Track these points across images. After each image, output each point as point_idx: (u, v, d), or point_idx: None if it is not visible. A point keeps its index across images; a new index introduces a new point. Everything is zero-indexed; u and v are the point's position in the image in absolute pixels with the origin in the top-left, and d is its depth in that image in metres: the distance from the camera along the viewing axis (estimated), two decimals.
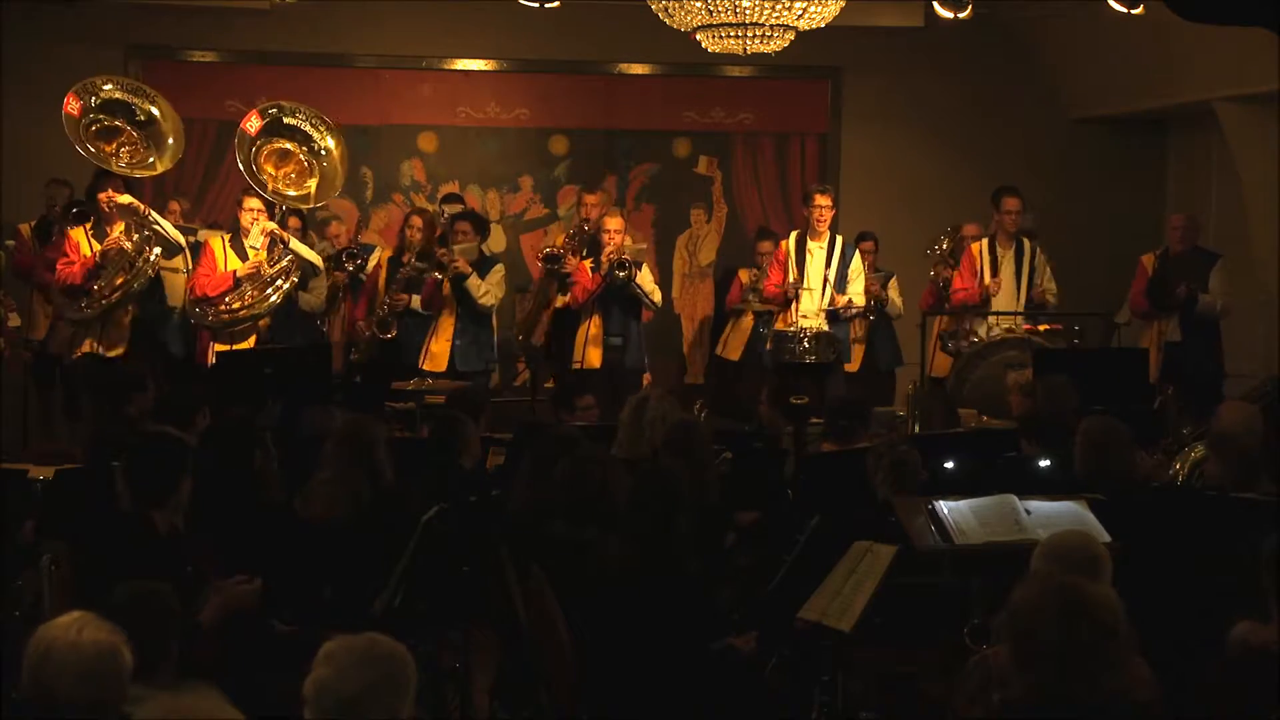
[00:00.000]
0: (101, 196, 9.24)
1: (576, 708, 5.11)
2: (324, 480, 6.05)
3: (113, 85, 9.51)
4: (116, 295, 9.18)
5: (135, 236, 9.17)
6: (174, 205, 10.31)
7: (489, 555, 5.70)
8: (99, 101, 9.38)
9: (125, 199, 9.23)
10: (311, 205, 9.98)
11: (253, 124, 9.61)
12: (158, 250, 9.26)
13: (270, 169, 9.62)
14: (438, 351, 10.02)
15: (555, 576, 5.26)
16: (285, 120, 9.69)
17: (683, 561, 5.39)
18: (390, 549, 5.56)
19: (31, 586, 5.74)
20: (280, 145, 9.65)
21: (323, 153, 9.74)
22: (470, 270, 9.88)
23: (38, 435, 10.20)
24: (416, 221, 10.42)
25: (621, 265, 10.03)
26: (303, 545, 5.79)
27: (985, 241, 10.37)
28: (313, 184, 9.72)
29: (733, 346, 11.11)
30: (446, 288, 9.92)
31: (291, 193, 9.66)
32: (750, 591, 5.76)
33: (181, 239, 9.46)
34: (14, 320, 9.83)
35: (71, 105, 9.27)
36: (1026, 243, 10.28)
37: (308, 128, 9.72)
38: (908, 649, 5.45)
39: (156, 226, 9.25)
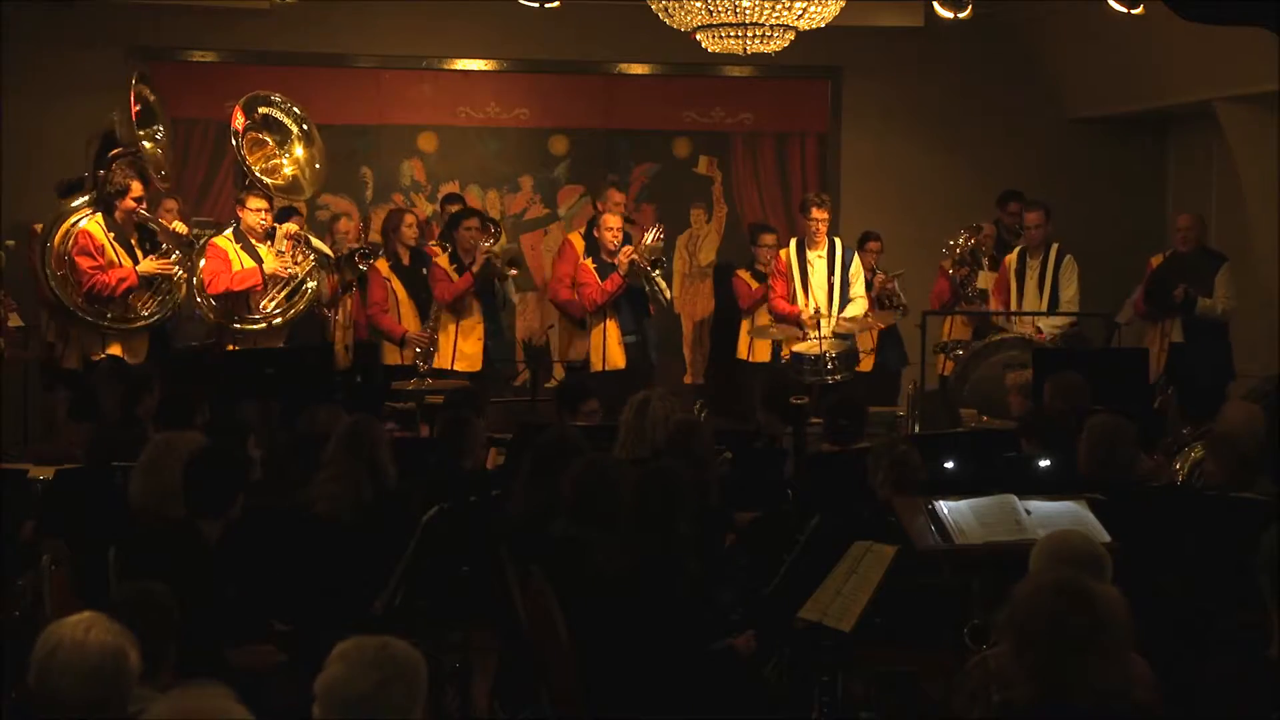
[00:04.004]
0: (128, 206, 9.21)
1: (576, 708, 5.11)
2: (326, 479, 6.05)
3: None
4: (154, 320, 9.23)
5: (185, 264, 9.22)
6: (169, 204, 10.31)
7: (489, 555, 5.71)
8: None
9: (181, 228, 9.27)
10: (306, 195, 10.01)
11: (239, 120, 9.69)
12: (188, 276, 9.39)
13: (248, 155, 9.69)
14: (471, 352, 10.04)
15: (555, 576, 5.26)
16: (260, 110, 9.78)
17: (683, 561, 5.39)
18: (391, 549, 5.57)
19: (31, 586, 5.75)
20: (255, 135, 9.74)
21: (288, 150, 9.78)
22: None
23: (39, 436, 10.19)
24: (411, 219, 10.46)
25: (656, 264, 10.22)
26: (303, 544, 5.80)
27: (1016, 252, 10.40)
28: (288, 170, 9.75)
29: (760, 349, 10.88)
30: (462, 287, 9.97)
31: (280, 184, 9.70)
32: (750, 591, 5.76)
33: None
34: (14, 320, 9.82)
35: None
36: (1053, 252, 10.26)
37: (280, 115, 9.79)
38: (908, 649, 5.45)
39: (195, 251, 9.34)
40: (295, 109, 9.82)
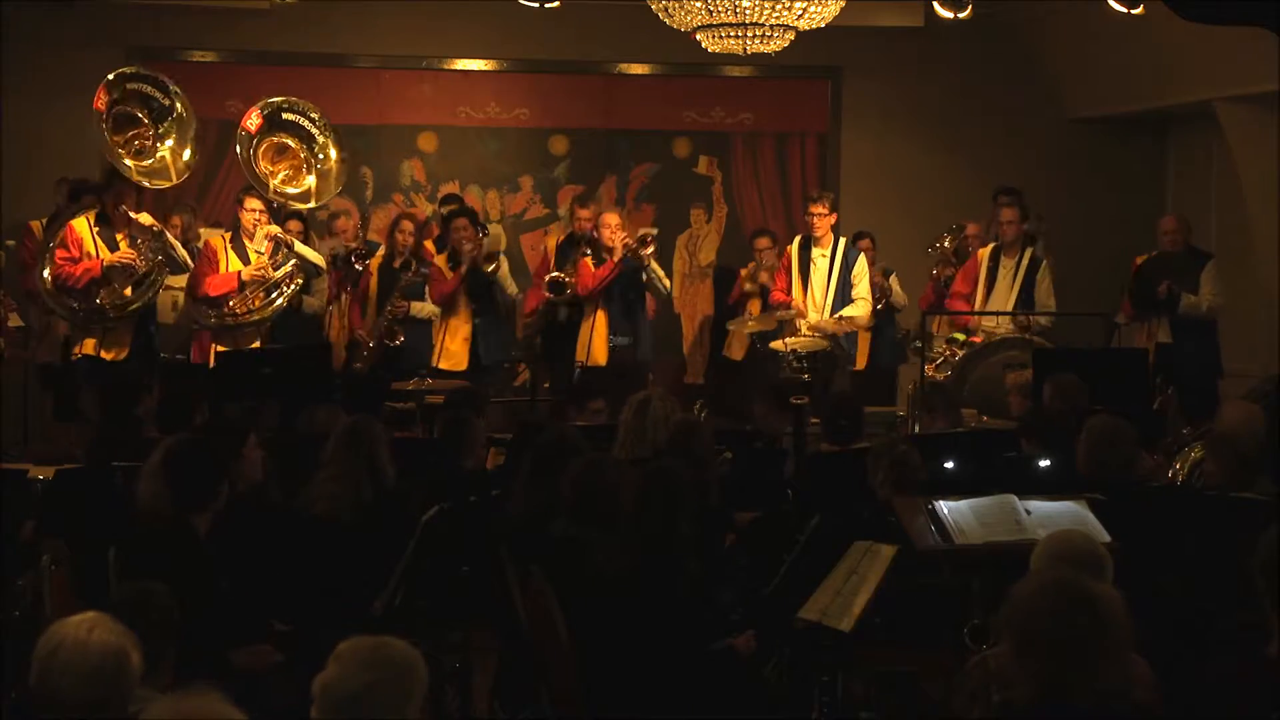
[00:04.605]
0: (117, 205, 9.16)
1: (576, 708, 5.11)
2: (326, 479, 6.05)
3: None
4: (126, 310, 9.14)
5: (148, 257, 9.12)
6: (175, 220, 10.28)
7: (489, 555, 5.71)
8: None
9: (146, 219, 9.19)
10: (312, 205, 9.96)
11: (252, 121, 9.63)
12: (167, 270, 9.27)
13: (267, 165, 9.62)
14: (455, 350, 10.04)
15: (555, 576, 5.26)
16: (285, 115, 9.71)
17: (683, 561, 5.39)
18: (390, 549, 5.57)
19: (31, 586, 5.76)
20: (278, 140, 9.66)
21: (320, 155, 9.74)
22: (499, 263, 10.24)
23: (39, 436, 10.20)
24: (407, 226, 10.42)
25: (643, 241, 10.14)
26: (303, 544, 5.80)
27: (990, 248, 10.36)
28: (310, 181, 9.71)
29: (736, 347, 11.07)
30: (453, 284, 9.97)
31: (290, 190, 9.66)
32: (750, 591, 5.76)
33: (188, 258, 9.42)
34: (14, 320, 9.82)
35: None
36: (1028, 254, 10.19)
37: (307, 124, 9.72)
38: (908, 649, 5.46)
39: (172, 250, 9.23)
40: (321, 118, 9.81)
